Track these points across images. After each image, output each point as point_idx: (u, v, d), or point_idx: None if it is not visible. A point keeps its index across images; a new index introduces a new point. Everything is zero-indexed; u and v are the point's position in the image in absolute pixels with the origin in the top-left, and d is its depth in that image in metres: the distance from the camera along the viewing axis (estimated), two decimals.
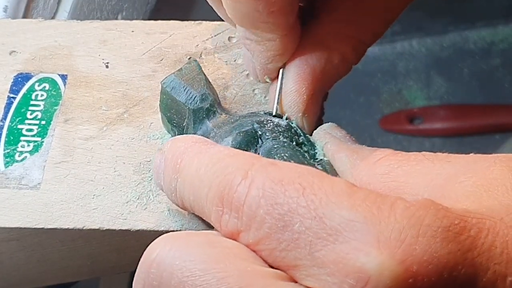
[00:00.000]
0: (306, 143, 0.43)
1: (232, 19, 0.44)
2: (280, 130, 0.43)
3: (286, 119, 0.44)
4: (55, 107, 0.48)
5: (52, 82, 0.50)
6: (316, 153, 0.43)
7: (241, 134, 0.42)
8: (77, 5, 0.68)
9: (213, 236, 0.34)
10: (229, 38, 0.51)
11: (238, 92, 0.49)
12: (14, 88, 0.49)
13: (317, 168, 0.41)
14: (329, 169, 0.42)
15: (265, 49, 0.44)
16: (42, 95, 0.49)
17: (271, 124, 0.43)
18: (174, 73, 0.45)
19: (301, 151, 0.42)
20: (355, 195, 0.31)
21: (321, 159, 0.42)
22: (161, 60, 0.51)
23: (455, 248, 0.30)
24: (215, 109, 0.44)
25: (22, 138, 0.47)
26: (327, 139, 0.43)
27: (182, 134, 0.45)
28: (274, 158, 0.41)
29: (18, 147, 0.47)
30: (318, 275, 0.31)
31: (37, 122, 0.48)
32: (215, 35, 0.52)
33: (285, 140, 0.42)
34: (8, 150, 0.46)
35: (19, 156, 0.46)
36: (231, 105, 0.48)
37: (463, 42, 1.33)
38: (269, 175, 0.33)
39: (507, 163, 0.35)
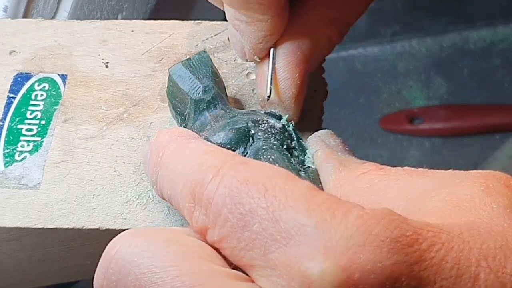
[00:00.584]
0: (297, 148, 0.43)
1: (223, 0, 0.44)
2: (273, 132, 0.43)
3: (286, 120, 0.44)
4: (55, 107, 0.48)
5: (52, 82, 0.50)
6: (305, 159, 0.43)
7: (233, 131, 0.42)
8: (77, 5, 0.68)
9: (176, 233, 0.34)
10: (229, 38, 0.51)
11: (237, 92, 0.49)
12: (13, 88, 0.49)
13: (300, 175, 0.41)
14: (313, 177, 0.41)
15: (256, 30, 0.44)
16: (41, 95, 0.49)
17: (266, 124, 0.43)
18: (182, 61, 0.46)
19: (289, 155, 0.42)
20: (312, 199, 0.31)
21: (308, 167, 0.42)
22: (161, 60, 0.51)
23: (401, 259, 0.30)
24: (216, 103, 0.44)
25: (21, 138, 0.47)
26: (319, 146, 0.43)
27: (184, 122, 0.45)
28: (260, 159, 0.41)
29: (17, 147, 0.47)
30: (270, 276, 0.31)
31: (37, 122, 0.48)
32: (214, 35, 0.52)
33: (275, 142, 0.42)
34: (8, 150, 0.46)
35: (18, 156, 0.46)
36: (231, 105, 0.48)
37: (463, 42, 1.32)
38: (237, 174, 0.33)
39: (478, 180, 0.35)
